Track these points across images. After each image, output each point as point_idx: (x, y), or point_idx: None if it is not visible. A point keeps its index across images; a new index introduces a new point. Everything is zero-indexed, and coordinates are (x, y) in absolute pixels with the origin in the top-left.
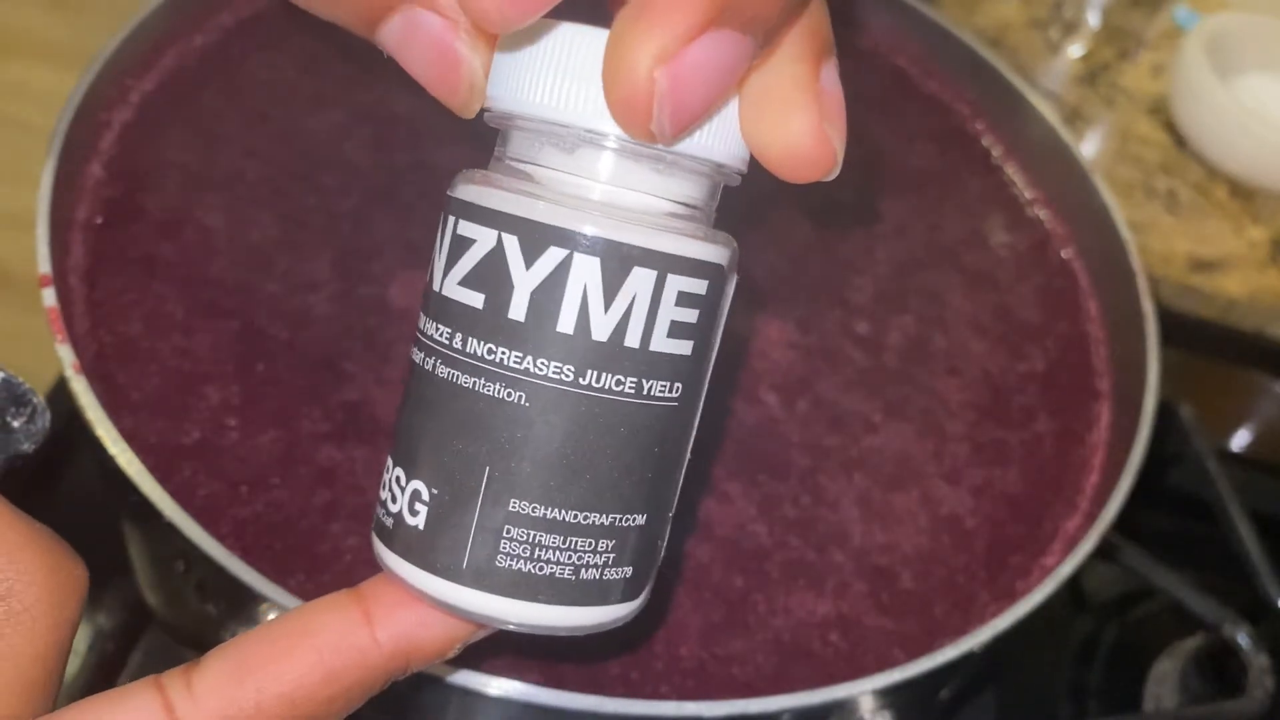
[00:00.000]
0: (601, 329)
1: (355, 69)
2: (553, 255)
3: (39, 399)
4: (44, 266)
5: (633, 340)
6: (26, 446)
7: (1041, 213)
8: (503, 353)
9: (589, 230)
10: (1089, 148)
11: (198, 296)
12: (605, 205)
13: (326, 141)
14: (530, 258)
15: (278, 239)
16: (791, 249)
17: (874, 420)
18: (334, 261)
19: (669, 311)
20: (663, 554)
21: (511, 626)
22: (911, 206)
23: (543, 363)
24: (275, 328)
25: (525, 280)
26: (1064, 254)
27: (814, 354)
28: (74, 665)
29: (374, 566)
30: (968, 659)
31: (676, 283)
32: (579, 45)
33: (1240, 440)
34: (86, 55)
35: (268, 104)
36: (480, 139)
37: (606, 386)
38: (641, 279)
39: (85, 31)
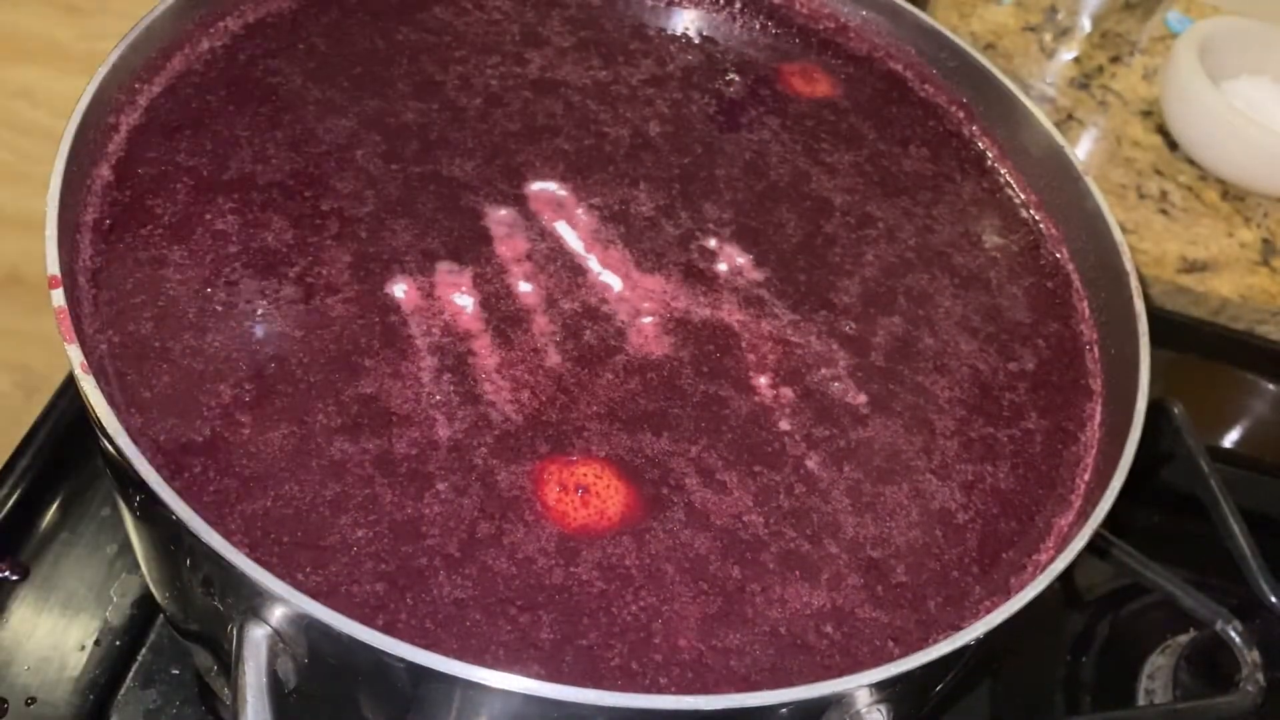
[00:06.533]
0: None
1: (362, 76)
2: None
3: None
4: (53, 268)
5: None
6: None
7: (1035, 215)
8: None
9: None
10: (1082, 150)
11: (210, 297)
12: None
13: (338, 149)
14: None
15: (293, 243)
16: (784, 249)
17: (862, 414)
18: (353, 265)
19: None
20: None
21: None
22: (904, 209)
23: None
24: (290, 326)
25: None
26: (1057, 255)
27: (807, 352)
28: (82, 660)
29: (381, 559)
30: (962, 653)
31: None
32: None
33: (1231, 438)
34: (95, 59)
35: (276, 110)
36: (491, 152)
37: None
38: None
39: (94, 36)
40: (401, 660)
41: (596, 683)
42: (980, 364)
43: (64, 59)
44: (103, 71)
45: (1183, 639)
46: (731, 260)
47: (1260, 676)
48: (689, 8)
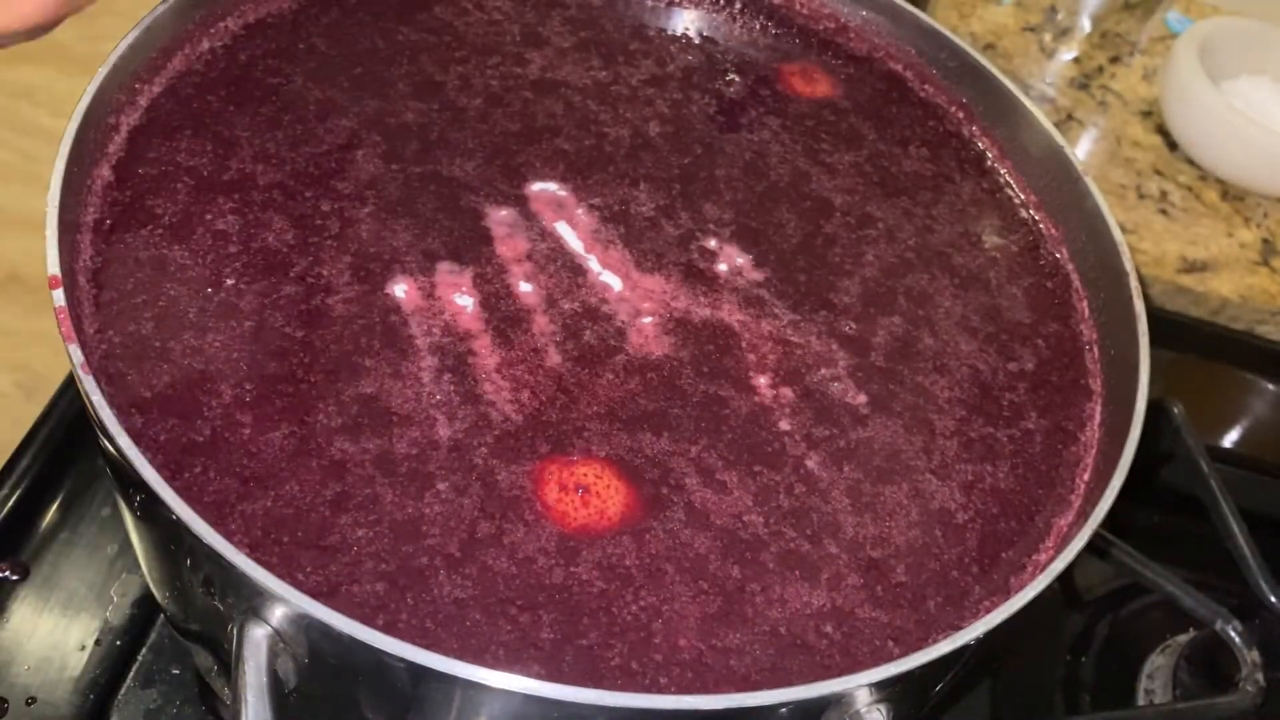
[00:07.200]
0: None
1: (362, 76)
2: None
3: None
4: (53, 268)
5: None
6: None
7: (1034, 215)
8: None
9: None
10: (1082, 150)
11: (211, 297)
12: None
13: (339, 149)
14: None
15: (293, 243)
16: (783, 249)
17: (862, 414)
18: (353, 265)
19: None
20: None
21: None
22: (904, 209)
23: None
24: (291, 326)
25: None
26: (1056, 255)
27: (807, 352)
28: (83, 660)
29: (381, 559)
30: (962, 653)
31: None
32: None
33: (1231, 438)
34: (96, 59)
35: (276, 110)
36: (492, 153)
37: None
38: None
39: (95, 36)
40: (401, 660)
41: (596, 683)
42: (980, 364)
43: (65, 59)
44: (103, 71)
45: (1182, 639)
46: (731, 260)
47: (1260, 676)
48: (689, 8)
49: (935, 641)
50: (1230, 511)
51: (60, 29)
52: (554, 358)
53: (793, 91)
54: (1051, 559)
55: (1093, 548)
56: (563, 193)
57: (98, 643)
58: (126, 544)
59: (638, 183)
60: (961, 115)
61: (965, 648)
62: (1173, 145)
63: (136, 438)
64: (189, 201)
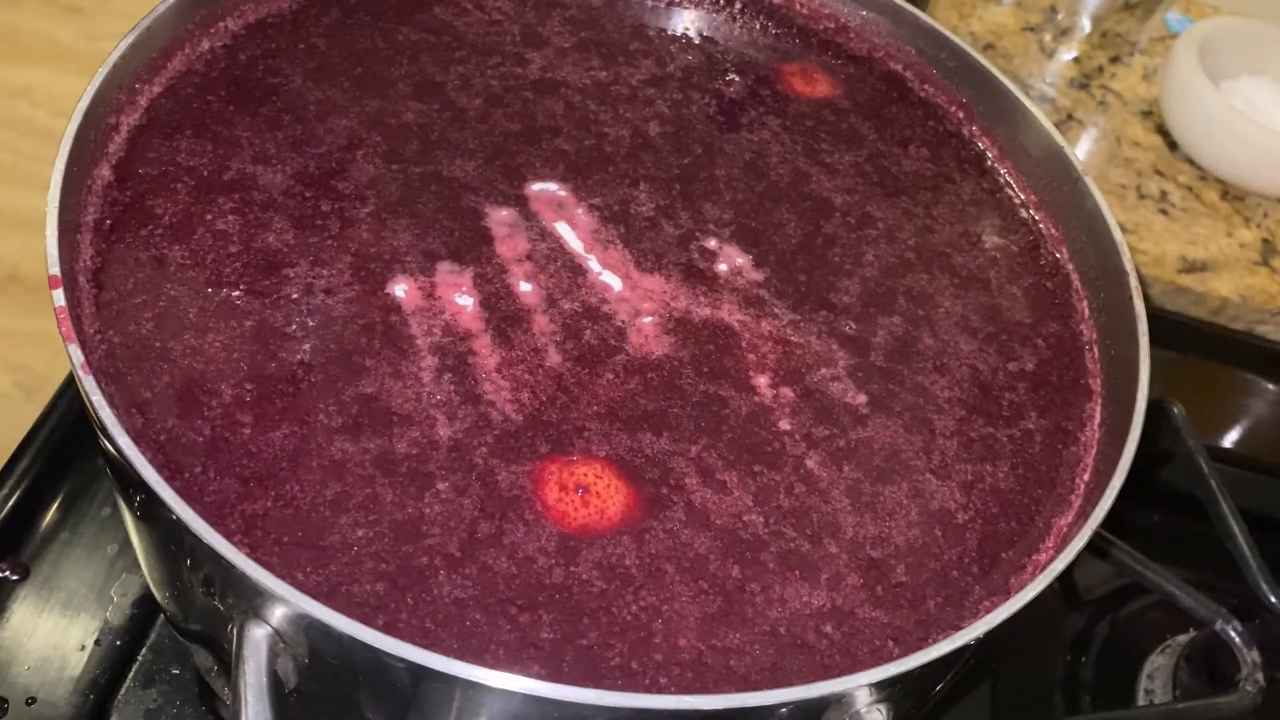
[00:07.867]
0: None
1: (362, 76)
2: None
3: None
4: (53, 268)
5: None
6: None
7: (1034, 215)
8: None
9: None
10: (1082, 150)
11: (211, 298)
12: None
13: (339, 149)
14: None
15: (294, 243)
16: (783, 249)
17: (861, 414)
18: (353, 265)
19: None
20: None
21: None
22: (904, 209)
23: None
24: (291, 327)
25: None
26: (1056, 255)
27: (807, 352)
28: (83, 660)
29: (381, 559)
30: (962, 653)
31: None
32: None
33: (1231, 438)
34: (96, 59)
35: (276, 110)
36: (492, 153)
37: None
38: None
39: (94, 36)
40: (401, 660)
41: (596, 683)
42: (980, 364)
43: (64, 59)
44: (103, 71)
45: (1182, 639)
46: (731, 260)
47: (1260, 676)
48: (689, 8)
49: (935, 641)
50: (1230, 511)
51: (59, 28)
52: (554, 357)
53: (793, 91)
54: (1051, 559)
55: (1093, 548)
56: (563, 193)
57: (98, 643)
58: (126, 544)
59: (638, 183)
60: (961, 115)
61: (965, 648)
62: (1173, 145)
63: (136, 438)
64: (189, 201)
